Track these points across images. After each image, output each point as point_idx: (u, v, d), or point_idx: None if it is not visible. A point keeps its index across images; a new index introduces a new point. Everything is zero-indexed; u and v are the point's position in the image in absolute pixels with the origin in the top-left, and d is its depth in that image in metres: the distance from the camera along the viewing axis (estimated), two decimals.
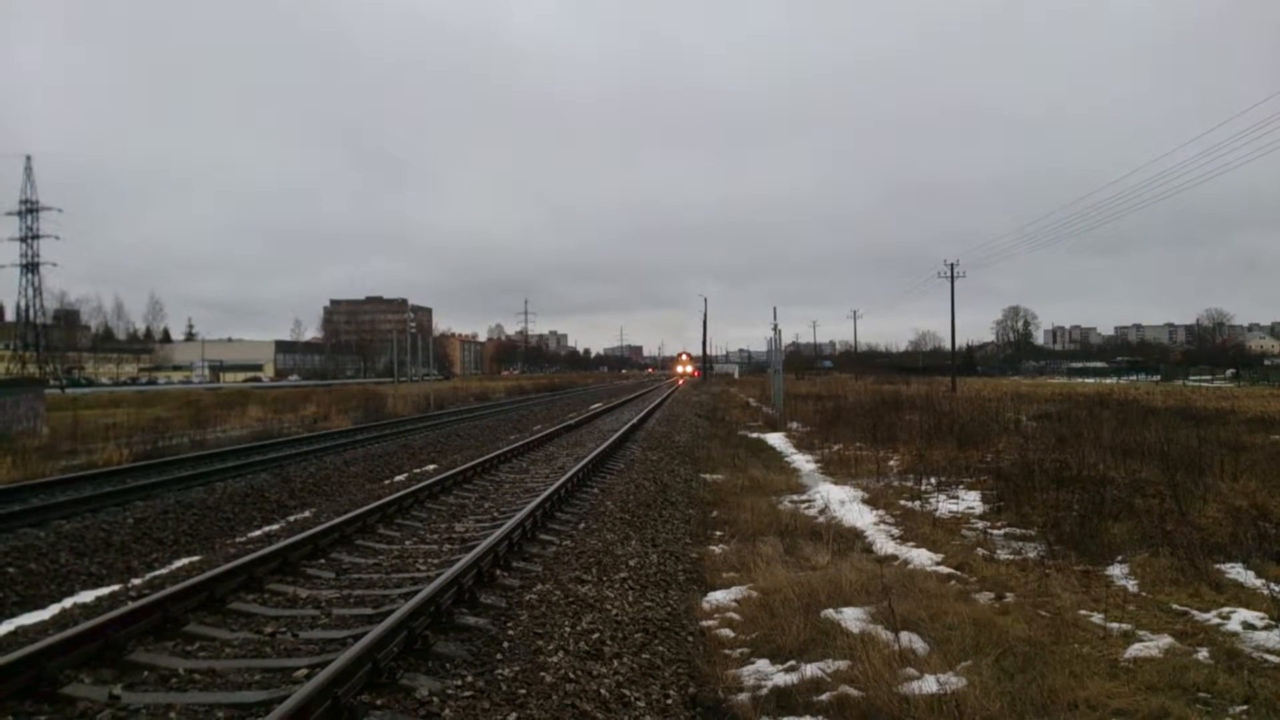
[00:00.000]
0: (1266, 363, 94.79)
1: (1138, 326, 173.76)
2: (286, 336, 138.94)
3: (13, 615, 7.12)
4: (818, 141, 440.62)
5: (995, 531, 9.81)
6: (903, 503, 11.74)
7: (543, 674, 4.98)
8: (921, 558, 8.50)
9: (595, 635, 5.80)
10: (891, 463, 15.67)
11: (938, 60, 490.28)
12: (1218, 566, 7.66)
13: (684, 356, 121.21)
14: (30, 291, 70.20)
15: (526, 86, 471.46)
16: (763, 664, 5.76)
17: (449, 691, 4.68)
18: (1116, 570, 7.87)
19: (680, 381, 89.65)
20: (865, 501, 11.89)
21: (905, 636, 5.86)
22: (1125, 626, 6.17)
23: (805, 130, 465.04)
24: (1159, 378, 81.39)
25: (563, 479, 11.72)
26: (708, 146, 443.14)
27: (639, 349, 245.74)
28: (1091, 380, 77.33)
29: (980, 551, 8.73)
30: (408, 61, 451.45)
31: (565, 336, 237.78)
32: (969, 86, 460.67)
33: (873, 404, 29.20)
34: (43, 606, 7.37)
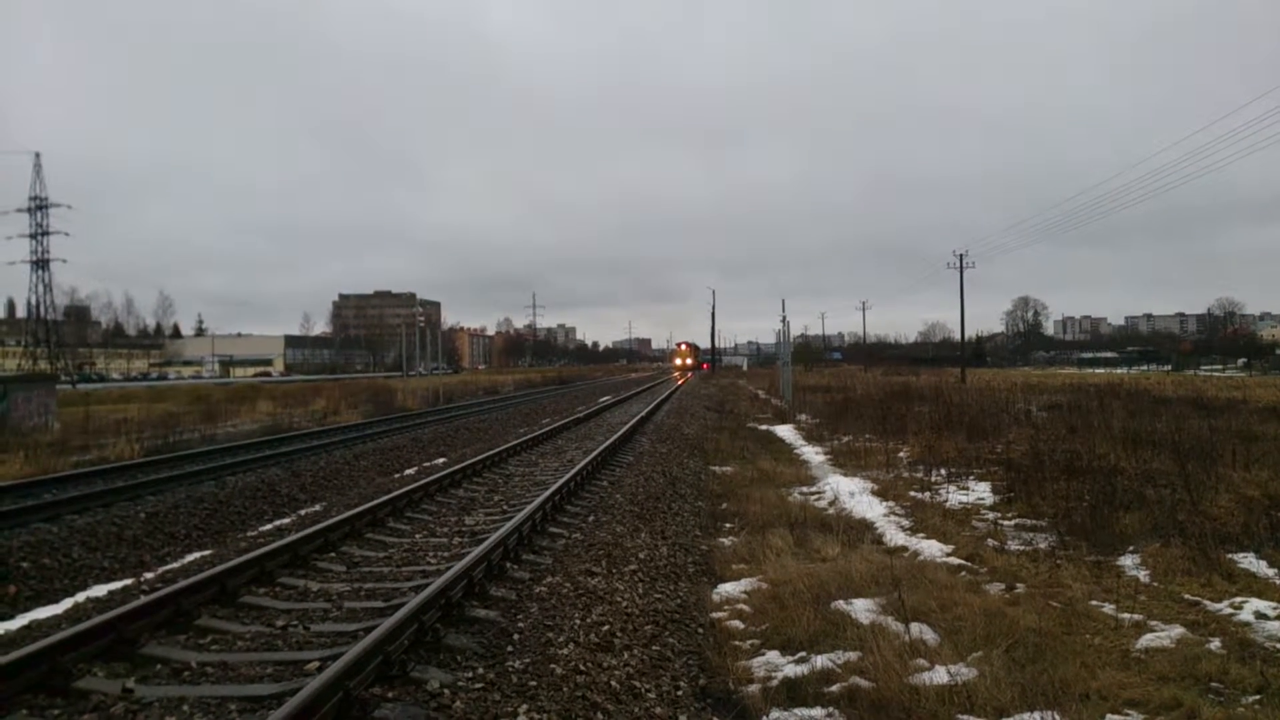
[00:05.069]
0: (1278, 352, 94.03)
1: (1148, 316, 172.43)
2: (296, 331, 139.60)
3: (27, 609, 7.19)
4: (818, 135, 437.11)
5: (1006, 522, 9.78)
6: (913, 494, 11.70)
7: (553, 666, 4.99)
8: (932, 549, 8.48)
9: (605, 627, 5.80)
10: (901, 454, 15.63)
11: (932, 59, 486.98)
12: (1230, 556, 7.61)
13: (683, 347, 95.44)
14: (41, 288, 70.64)
15: (527, 84, 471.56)
16: (773, 655, 5.75)
17: (460, 684, 4.69)
18: (1128, 560, 7.84)
19: (681, 379, 69.60)
20: (875, 493, 11.87)
21: (916, 627, 5.86)
22: (1137, 617, 6.15)
23: (803, 124, 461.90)
24: (1170, 367, 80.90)
25: (572, 472, 11.73)
26: (705, 142, 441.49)
27: (648, 341, 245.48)
28: (1102, 370, 76.94)
29: (991, 542, 8.70)
30: (408, 60, 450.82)
31: (574, 330, 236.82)
32: (962, 84, 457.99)
33: (882, 395, 29.10)
34: (56, 601, 7.45)
